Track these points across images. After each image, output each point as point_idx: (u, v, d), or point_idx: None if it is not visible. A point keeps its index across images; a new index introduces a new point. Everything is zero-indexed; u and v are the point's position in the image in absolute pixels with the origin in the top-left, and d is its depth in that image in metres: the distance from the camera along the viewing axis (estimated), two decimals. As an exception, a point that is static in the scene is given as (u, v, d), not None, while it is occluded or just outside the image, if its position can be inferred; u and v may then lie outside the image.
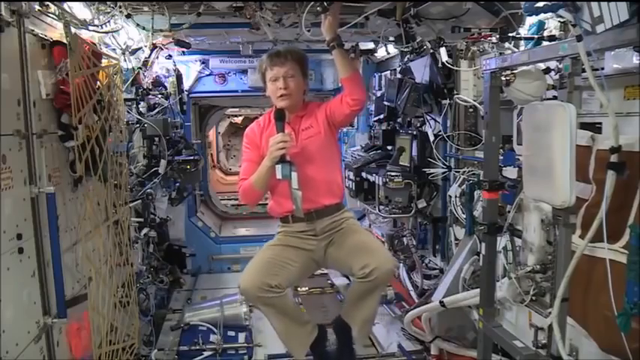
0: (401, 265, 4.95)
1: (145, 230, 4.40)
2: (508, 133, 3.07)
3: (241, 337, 4.44)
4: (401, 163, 4.42)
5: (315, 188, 2.69)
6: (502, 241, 2.81)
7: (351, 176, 5.04)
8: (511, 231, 2.79)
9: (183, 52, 5.14)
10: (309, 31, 3.42)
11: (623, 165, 1.93)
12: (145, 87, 4.67)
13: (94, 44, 3.08)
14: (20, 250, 2.20)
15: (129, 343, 3.44)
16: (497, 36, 3.12)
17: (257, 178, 2.64)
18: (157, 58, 4.88)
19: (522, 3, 2.64)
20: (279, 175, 2.56)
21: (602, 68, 2.19)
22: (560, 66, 2.20)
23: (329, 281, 5.68)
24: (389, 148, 5.05)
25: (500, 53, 3.08)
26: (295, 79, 2.66)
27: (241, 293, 2.66)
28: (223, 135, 11.22)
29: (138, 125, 4.41)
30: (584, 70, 1.98)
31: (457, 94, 3.73)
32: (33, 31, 2.41)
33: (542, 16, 2.72)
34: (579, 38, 1.82)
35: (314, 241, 2.75)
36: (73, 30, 2.60)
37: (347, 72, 2.65)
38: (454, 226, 3.95)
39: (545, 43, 2.79)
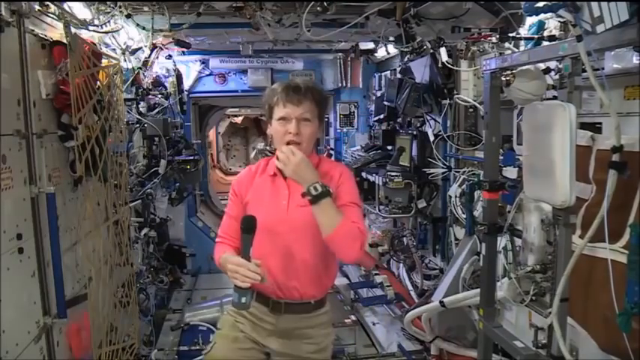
0: (401, 265, 4.96)
1: (145, 230, 4.40)
2: (508, 133, 3.07)
3: (241, 337, 4.43)
4: (401, 163, 4.42)
5: (297, 273, 2.15)
6: (502, 241, 2.80)
7: (351, 176, 5.03)
8: (511, 231, 2.79)
9: (183, 52, 5.15)
10: (309, 31, 3.43)
11: (624, 164, 1.93)
12: (145, 87, 4.67)
13: (94, 44, 3.08)
14: (20, 250, 2.20)
15: (129, 343, 3.44)
16: (497, 36, 3.13)
17: (224, 269, 2.06)
18: (157, 58, 4.88)
19: (522, 3, 2.64)
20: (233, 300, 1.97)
21: (602, 68, 2.19)
22: (560, 66, 2.20)
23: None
24: (389, 148, 5.06)
25: (500, 53, 3.08)
26: (311, 124, 2.12)
27: None
28: (223, 135, 11.21)
29: (138, 125, 4.40)
30: (584, 70, 1.99)
31: (457, 94, 3.73)
32: (33, 31, 2.41)
33: (542, 16, 2.72)
34: (579, 38, 1.82)
35: (266, 336, 2.24)
36: (73, 30, 2.60)
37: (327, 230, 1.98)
38: (454, 226, 3.95)
39: (545, 43, 2.79)
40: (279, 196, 2.16)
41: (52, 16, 2.59)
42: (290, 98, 2.09)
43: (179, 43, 4.34)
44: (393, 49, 4.95)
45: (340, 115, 6.18)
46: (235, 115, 10.73)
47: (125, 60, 4.02)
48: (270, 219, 2.08)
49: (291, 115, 2.08)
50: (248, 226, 1.94)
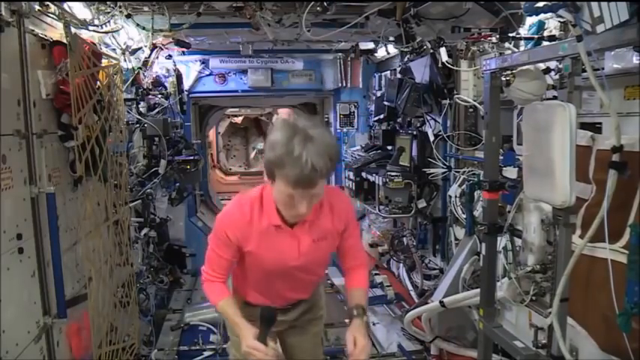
0: (401, 265, 4.96)
1: (145, 230, 4.40)
2: (508, 133, 3.07)
3: (241, 337, 4.43)
4: (401, 163, 4.42)
5: (304, 287, 2.30)
6: (502, 241, 2.80)
7: (351, 176, 5.04)
8: (511, 231, 2.79)
9: (183, 52, 5.15)
10: (309, 31, 3.43)
11: (624, 164, 1.93)
12: (145, 87, 4.67)
13: (94, 44, 3.08)
14: (20, 250, 2.20)
15: (129, 343, 3.44)
16: (497, 36, 3.13)
17: (225, 317, 2.16)
18: (157, 58, 4.88)
19: (522, 3, 2.65)
20: None
21: (602, 68, 2.19)
22: (560, 66, 2.20)
23: (329, 281, 5.67)
24: (389, 148, 5.06)
25: (500, 53, 3.08)
26: (321, 192, 1.88)
27: None
28: (223, 135, 11.21)
29: (138, 125, 4.41)
30: (584, 70, 1.99)
31: (457, 94, 3.73)
32: (33, 31, 2.41)
33: (542, 16, 2.72)
34: (579, 38, 1.82)
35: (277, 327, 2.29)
36: (73, 30, 2.60)
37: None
38: (454, 226, 3.95)
39: (545, 43, 2.79)
40: (290, 246, 2.06)
41: (52, 16, 2.59)
42: (304, 184, 1.78)
43: (179, 43, 4.35)
44: (393, 49, 4.95)
45: (340, 115, 6.19)
46: (235, 115, 10.73)
47: (125, 60, 4.02)
48: (281, 264, 2.08)
49: (303, 195, 1.82)
50: (269, 319, 1.97)
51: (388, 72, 5.39)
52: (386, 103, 4.83)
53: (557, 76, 2.31)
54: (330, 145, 1.81)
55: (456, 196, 3.71)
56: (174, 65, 5.35)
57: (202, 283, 2.20)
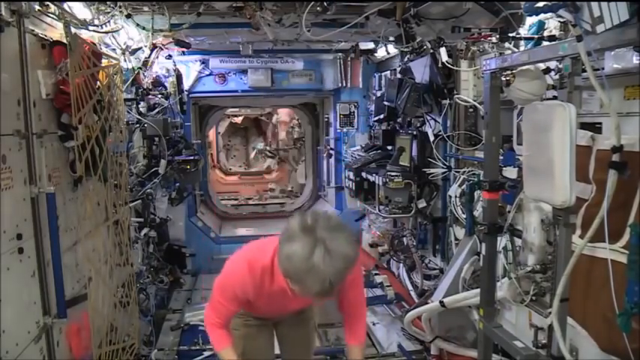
0: (401, 265, 4.96)
1: (145, 230, 4.40)
2: (508, 133, 3.07)
3: (241, 337, 4.43)
4: (401, 163, 4.42)
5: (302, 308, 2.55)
6: (502, 241, 2.80)
7: (351, 176, 5.04)
8: (511, 231, 2.79)
9: (183, 52, 5.15)
10: (309, 31, 3.43)
11: (624, 164, 1.93)
12: (145, 87, 4.67)
13: (94, 44, 3.08)
14: (20, 250, 2.20)
15: (129, 343, 3.44)
16: (497, 36, 3.13)
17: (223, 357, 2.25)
18: (157, 58, 4.88)
19: (522, 3, 2.65)
20: None
21: (602, 68, 2.19)
22: (560, 66, 2.20)
23: (329, 281, 5.67)
24: (389, 148, 5.06)
25: (500, 53, 3.08)
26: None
27: None
28: (223, 135, 11.19)
29: (138, 125, 4.41)
30: (584, 70, 1.99)
31: (457, 94, 3.73)
32: (33, 31, 2.41)
33: (542, 16, 2.72)
34: (579, 38, 1.82)
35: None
36: (73, 30, 2.60)
37: None
38: (454, 226, 3.95)
39: (545, 43, 2.79)
40: (296, 300, 2.11)
41: (52, 16, 2.59)
42: (320, 298, 1.84)
43: (179, 43, 4.35)
44: (393, 49, 4.95)
45: (340, 115, 6.19)
46: (235, 115, 10.72)
47: (125, 60, 4.02)
48: (285, 310, 2.41)
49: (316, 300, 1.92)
50: None
51: (388, 72, 5.39)
52: (386, 103, 4.83)
53: (557, 76, 2.31)
54: (349, 257, 1.76)
55: (456, 196, 3.72)
56: (174, 65, 5.35)
57: (205, 324, 2.30)
